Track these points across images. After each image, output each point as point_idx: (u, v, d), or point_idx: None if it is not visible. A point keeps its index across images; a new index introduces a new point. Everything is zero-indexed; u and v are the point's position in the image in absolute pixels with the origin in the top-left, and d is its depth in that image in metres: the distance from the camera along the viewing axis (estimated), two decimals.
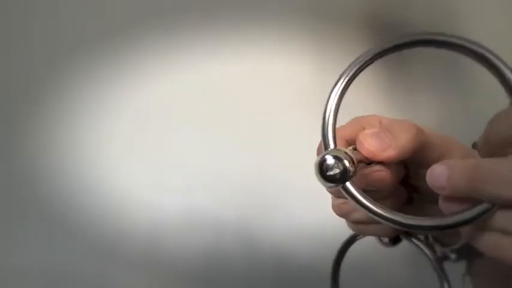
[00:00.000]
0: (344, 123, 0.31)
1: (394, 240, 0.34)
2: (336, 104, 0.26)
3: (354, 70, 0.26)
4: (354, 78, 0.26)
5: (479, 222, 0.25)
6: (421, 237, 0.34)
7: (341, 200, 0.31)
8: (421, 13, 0.66)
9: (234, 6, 0.64)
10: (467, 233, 0.26)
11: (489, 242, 0.25)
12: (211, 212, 0.62)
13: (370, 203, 0.26)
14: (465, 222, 0.25)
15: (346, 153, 0.25)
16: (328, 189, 0.26)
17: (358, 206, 0.26)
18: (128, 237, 0.62)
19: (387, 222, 0.26)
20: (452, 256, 0.36)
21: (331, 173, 0.24)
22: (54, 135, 0.63)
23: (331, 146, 0.26)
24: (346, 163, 0.24)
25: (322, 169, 0.25)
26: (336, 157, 0.24)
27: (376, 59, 0.26)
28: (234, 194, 0.61)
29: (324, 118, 0.26)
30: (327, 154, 0.25)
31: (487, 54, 0.25)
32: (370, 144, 0.28)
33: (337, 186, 0.25)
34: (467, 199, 0.25)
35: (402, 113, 0.64)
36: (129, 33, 0.63)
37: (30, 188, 0.62)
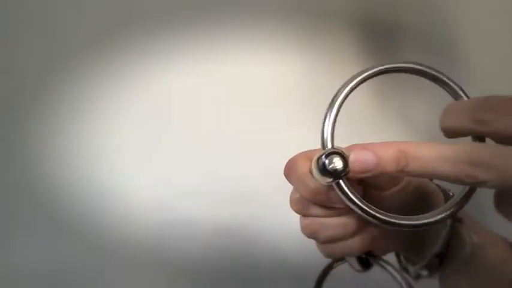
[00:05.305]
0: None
1: (365, 265, 0.35)
2: (338, 106, 0.28)
3: (358, 80, 0.28)
4: (357, 86, 0.29)
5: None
6: (388, 264, 0.35)
7: (310, 219, 0.33)
8: (412, 14, 0.67)
9: (228, 7, 0.65)
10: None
11: None
12: (211, 213, 0.63)
13: (360, 201, 0.28)
14: (451, 215, 0.28)
15: (344, 153, 0.28)
16: (325, 184, 0.28)
17: (349, 204, 0.28)
18: (129, 238, 0.62)
19: (376, 221, 0.28)
20: (424, 273, 0.38)
21: (330, 167, 0.27)
22: (54, 136, 0.63)
23: (330, 145, 0.28)
24: (343, 161, 0.27)
25: (323, 164, 0.27)
26: (335, 154, 0.27)
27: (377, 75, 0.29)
28: (234, 195, 0.62)
29: (324, 119, 0.28)
30: (328, 151, 0.27)
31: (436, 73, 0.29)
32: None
33: (333, 181, 0.27)
34: None
35: (397, 116, 0.64)
36: (128, 33, 0.64)
37: (30, 189, 0.62)
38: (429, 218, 0.28)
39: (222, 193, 0.62)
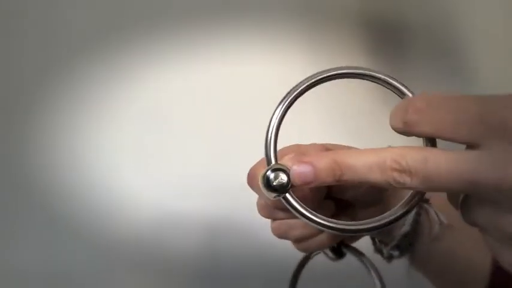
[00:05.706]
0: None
1: (339, 254, 0.37)
2: (277, 124, 0.30)
3: (296, 93, 0.30)
4: (296, 99, 0.30)
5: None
6: (358, 253, 0.36)
7: (278, 222, 0.35)
8: (414, 13, 0.66)
9: (229, 7, 0.65)
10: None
11: None
12: (210, 213, 0.63)
13: (308, 212, 0.29)
14: (397, 219, 0.28)
15: (286, 168, 0.29)
16: (272, 199, 0.29)
17: (298, 215, 0.29)
18: (129, 238, 0.62)
19: (325, 229, 0.29)
20: (395, 253, 0.40)
21: (275, 183, 0.28)
22: (54, 136, 0.63)
23: (273, 161, 0.29)
24: (286, 176, 0.28)
25: (267, 181, 0.28)
26: (278, 170, 0.28)
27: (315, 85, 0.30)
28: (234, 195, 0.62)
29: (266, 138, 0.30)
30: (271, 168, 0.29)
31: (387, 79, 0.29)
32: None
33: (279, 196, 0.28)
34: None
35: None
36: (127, 33, 0.64)
37: (30, 189, 0.62)
38: (378, 221, 0.29)
39: (221, 193, 0.62)
